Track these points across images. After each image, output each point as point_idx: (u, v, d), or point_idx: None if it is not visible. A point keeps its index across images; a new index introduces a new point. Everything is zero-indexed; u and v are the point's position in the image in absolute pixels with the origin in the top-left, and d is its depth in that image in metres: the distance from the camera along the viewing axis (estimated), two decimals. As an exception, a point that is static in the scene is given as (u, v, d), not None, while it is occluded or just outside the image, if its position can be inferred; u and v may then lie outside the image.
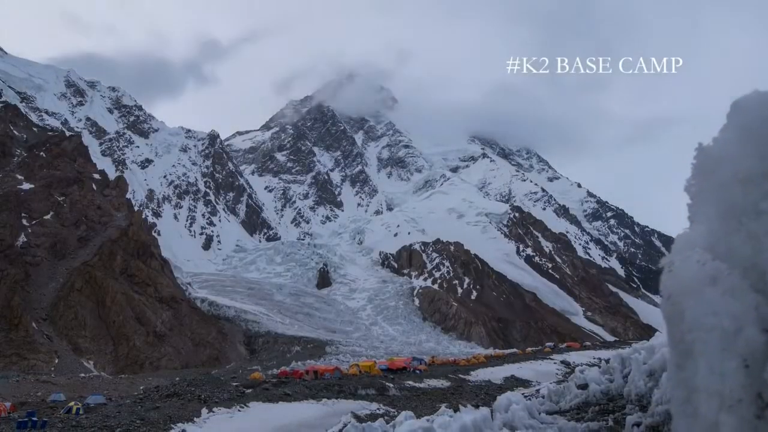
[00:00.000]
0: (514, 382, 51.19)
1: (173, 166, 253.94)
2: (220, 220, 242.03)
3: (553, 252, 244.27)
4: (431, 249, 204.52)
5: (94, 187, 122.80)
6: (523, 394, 20.48)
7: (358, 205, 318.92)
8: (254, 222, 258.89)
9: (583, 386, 13.10)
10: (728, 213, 4.77)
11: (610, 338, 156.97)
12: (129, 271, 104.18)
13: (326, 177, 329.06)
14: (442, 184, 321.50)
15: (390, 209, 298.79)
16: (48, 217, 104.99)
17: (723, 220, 4.78)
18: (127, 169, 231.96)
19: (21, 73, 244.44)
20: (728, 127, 5.03)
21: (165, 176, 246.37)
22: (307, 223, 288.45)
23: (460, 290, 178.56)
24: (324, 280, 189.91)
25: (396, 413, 29.48)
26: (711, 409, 4.27)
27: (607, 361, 16.15)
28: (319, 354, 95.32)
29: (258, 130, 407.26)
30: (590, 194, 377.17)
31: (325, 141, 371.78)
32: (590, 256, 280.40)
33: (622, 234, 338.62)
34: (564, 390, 13.87)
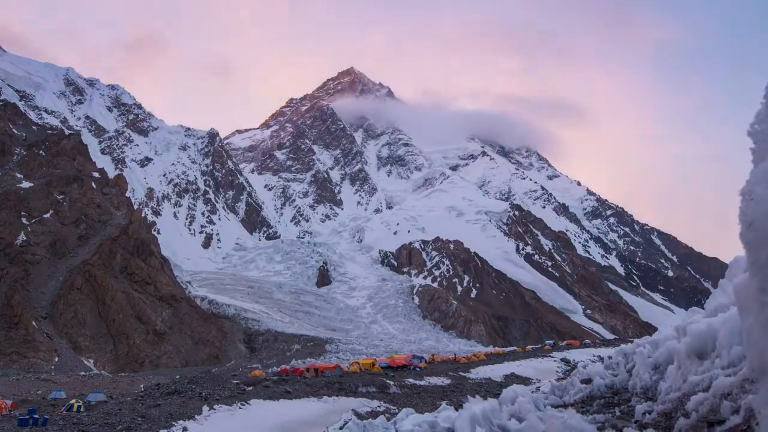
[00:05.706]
0: (514, 380, 51.26)
1: (173, 164, 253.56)
2: (219, 219, 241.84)
3: (552, 250, 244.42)
4: (431, 247, 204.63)
5: (94, 185, 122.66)
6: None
7: (358, 203, 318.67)
8: (254, 220, 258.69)
9: (587, 381, 13.10)
10: None
11: (609, 336, 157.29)
12: (129, 269, 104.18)
13: (326, 175, 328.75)
14: (441, 183, 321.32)
15: (390, 207, 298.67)
16: (47, 215, 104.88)
17: None
18: (126, 167, 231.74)
19: (20, 72, 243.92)
20: None
21: (164, 174, 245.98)
22: (307, 221, 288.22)
23: (459, 288, 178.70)
24: (324, 278, 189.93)
25: (397, 410, 29.49)
26: None
27: (610, 357, 16.17)
28: (319, 352, 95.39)
29: (257, 128, 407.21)
30: (590, 192, 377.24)
31: (324, 139, 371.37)
32: (590, 254, 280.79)
33: (622, 232, 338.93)
34: (568, 385, 13.89)
